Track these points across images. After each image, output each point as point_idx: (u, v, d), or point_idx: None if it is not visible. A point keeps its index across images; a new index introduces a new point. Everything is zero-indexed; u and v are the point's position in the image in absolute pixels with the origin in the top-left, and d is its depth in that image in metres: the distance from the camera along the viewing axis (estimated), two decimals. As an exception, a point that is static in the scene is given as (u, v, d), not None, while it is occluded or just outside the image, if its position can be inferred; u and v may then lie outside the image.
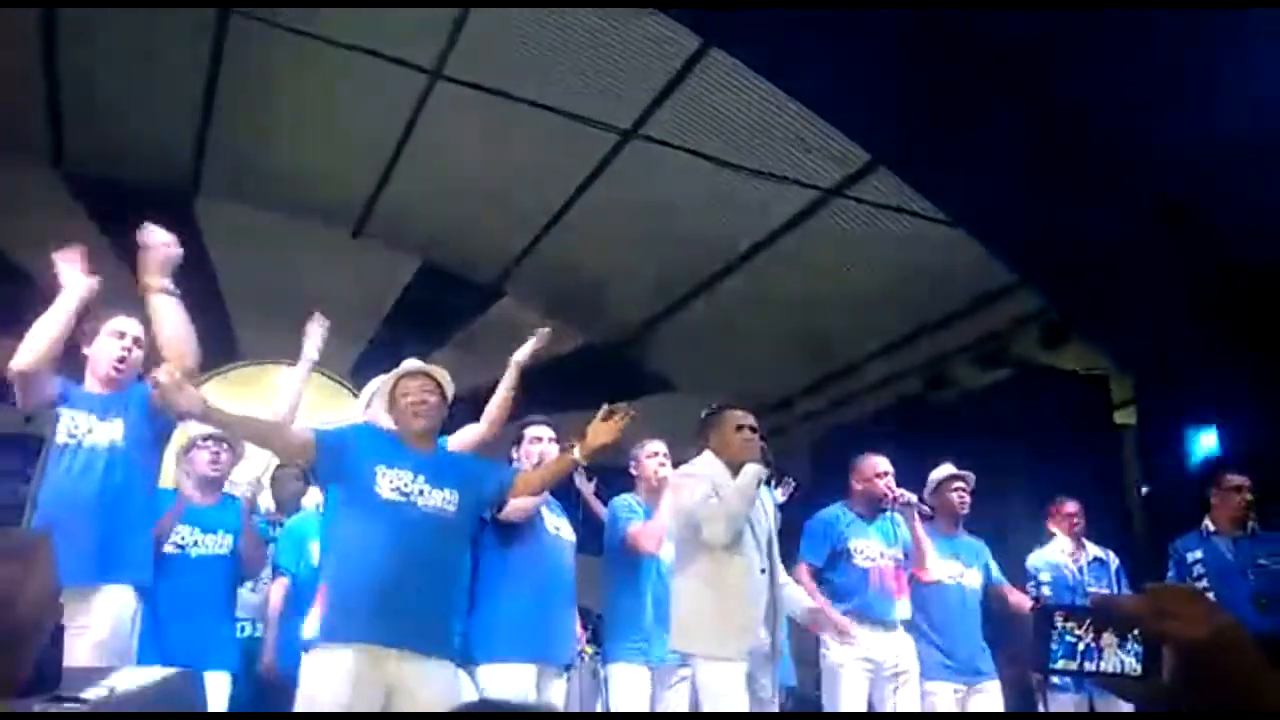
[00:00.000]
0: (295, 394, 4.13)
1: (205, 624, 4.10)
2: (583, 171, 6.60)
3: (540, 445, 4.31)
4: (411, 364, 3.63)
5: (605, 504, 4.79)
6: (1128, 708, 4.94)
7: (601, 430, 3.51)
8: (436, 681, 3.20)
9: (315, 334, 4.33)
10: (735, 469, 3.92)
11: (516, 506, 4.00)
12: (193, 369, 3.31)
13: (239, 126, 6.64)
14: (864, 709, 4.48)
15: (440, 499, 3.38)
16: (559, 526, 4.29)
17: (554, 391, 7.56)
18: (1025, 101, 5.37)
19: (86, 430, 3.29)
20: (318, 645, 3.19)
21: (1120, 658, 0.91)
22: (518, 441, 4.41)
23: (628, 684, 4.42)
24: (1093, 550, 5.29)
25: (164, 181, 7.20)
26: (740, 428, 4.02)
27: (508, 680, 3.89)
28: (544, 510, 4.25)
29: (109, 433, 3.35)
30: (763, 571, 3.86)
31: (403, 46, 5.57)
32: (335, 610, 3.20)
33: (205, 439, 4.25)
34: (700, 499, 3.88)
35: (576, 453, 3.58)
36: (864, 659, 4.49)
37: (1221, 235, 5.34)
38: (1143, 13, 4.53)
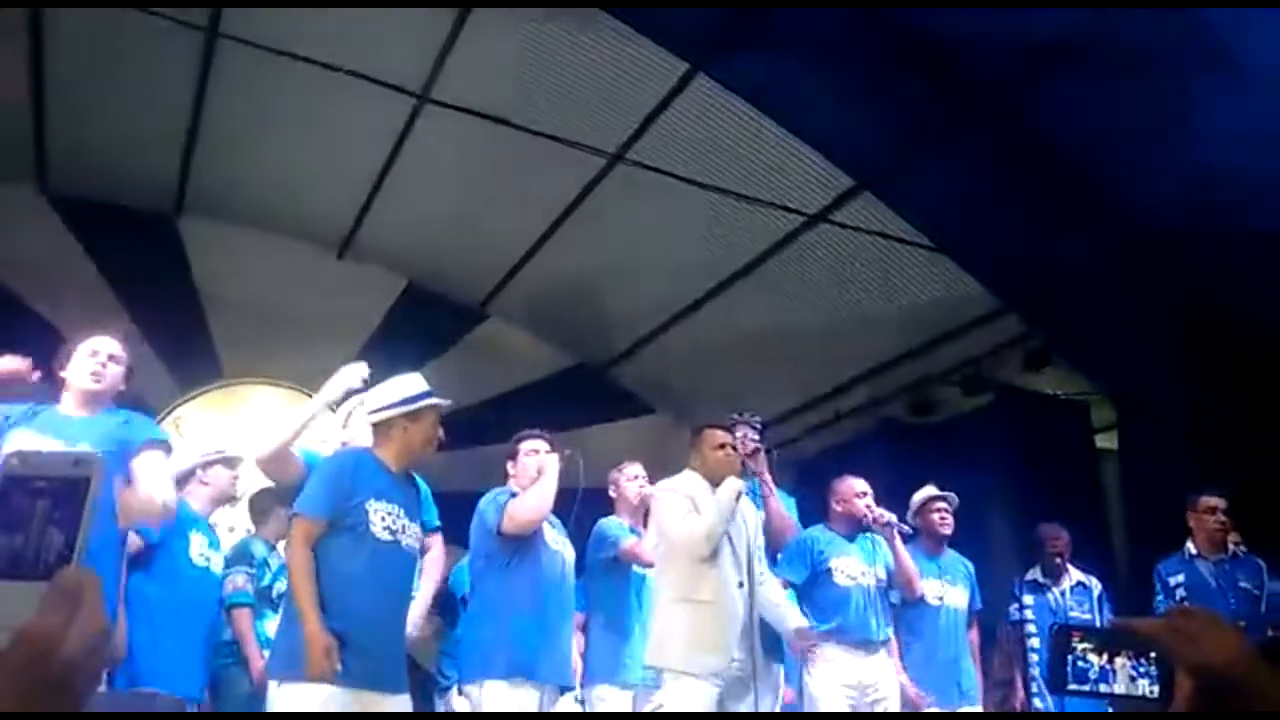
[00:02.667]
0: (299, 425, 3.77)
1: (201, 642, 4.15)
2: (569, 195, 6.63)
3: (537, 458, 4.20)
4: (421, 385, 3.56)
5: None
6: None
7: None
8: (391, 709, 3.24)
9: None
10: (714, 485, 3.94)
11: (517, 521, 3.99)
12: (169, 512, 3.37)
13: (224, 147, 6.65)
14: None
15: (414, 534, 3.42)
16: (560, 542, 4.23)
17: (538, 412, 7.57)
18: (1007, 128, 5.44)
19: None
20: (300, 680, 3.14)
21: (1134, 679, 0.92)
22: (513, 456, 4.32)
23: (610, 707, 4.41)
24: (1075, 575, 5.31)
25: (148, 201, 7.19)
26: (721, 446, 4.05)
27: (510, 701, 3.85)
28: (545, 525, 4.21)
29: None
30: (740, 586, 3.86)
31: (390, 69, 5.60)
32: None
33: (221, 460, 4.33)
34: (679, 514, 3.90)
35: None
36: (845, 685, 4.49)
37: (1200, 261, 5.40)
38: (1122, 41, 4.61)
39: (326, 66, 5.40)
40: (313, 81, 5.60)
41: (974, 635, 5.03)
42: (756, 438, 4.54)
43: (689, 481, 4.04)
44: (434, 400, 3.50)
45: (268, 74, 5.73)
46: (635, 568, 4.61)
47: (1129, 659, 0.92)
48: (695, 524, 3.85)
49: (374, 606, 3.23)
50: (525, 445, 4.31)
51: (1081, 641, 0.94)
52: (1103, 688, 0.93)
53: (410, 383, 3.55)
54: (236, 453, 4.49)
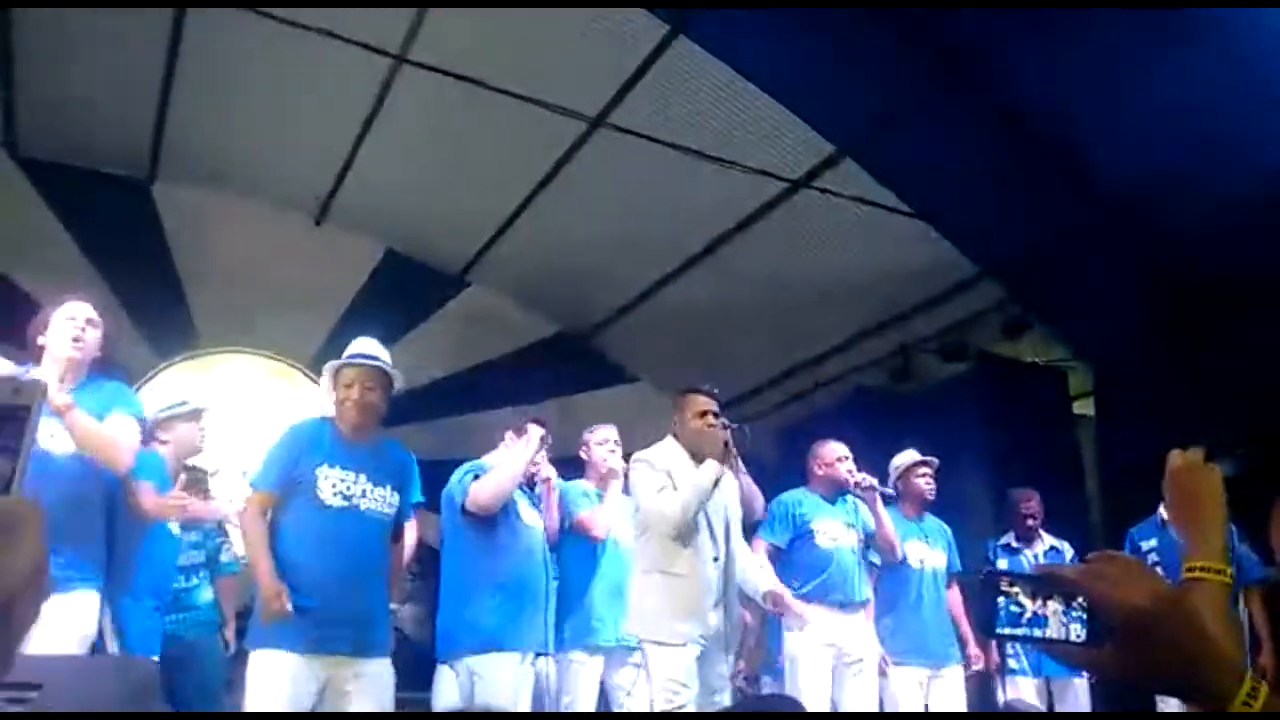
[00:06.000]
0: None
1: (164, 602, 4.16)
2: (549, 159, 6.57)
3: (544, 467, 4.34)
4: (359, 348, 3.58)
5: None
6: (1085, 696, 5.04)
7: None
8: (368, 680, 3.28)
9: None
10: (694, 454, 3.94)
11: (479, 502, 4.03)
12: (127, 463, 3.39)
13: (199, 110, 6.53)
14: (826, 694, 4.54)
15: (380, 498, 3.41)
16: (531, 517, 4.31)
17: (522, 379, 7.58)
18: (986, 93, 5.42)
19: (48, 435, 3.19)
20: (257, 648, 3.22)
21: (1065, 625, 0.93)
22: (517, 430, 4.34)
23: (580, 670, 4.46)
24: (1049, 540, 5.38)
25: (122, 166, 7.08)
26: (703, 414, 4.02)
27: (499, 669, 3.90)
28: (518, 498, 4.25)
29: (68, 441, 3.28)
30: (716, 560, 3.88)
31: (367, 30, 5.51)
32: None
33: (184, 413, 4.26)
34: (654, 488, 3.90)
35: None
36: (825, 644, 4.54)
37: (1175, 230, 5.43)
38: (1105, 9, 4.59)
39: (302, 27, 5.31)
40: (288, 42, 5.52)
41: (954, 595, 5.09)
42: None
43: (666, 452, 4.01)
44: (336, 363, 3.54)
45: (241, 35, 5.63)
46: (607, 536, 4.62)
47: (1060, 604, 0.93)
48: (668, 503, 3.84)
49: (329, 572, 3.25)
50: (534, 430, 4.29)
51: (1010, 586, 0.95)
52: (1036, 632, 0.94)
53: (350, 347, 3.60)
54: (199, 404, 4.42)
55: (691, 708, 3.71)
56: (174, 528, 4.15)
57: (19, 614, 0.69)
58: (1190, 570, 1.18)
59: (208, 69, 6.09)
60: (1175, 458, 1.27)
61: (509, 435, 4.40)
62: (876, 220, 6.32)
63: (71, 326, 3.41)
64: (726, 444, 3.91)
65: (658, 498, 3.88)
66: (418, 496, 3.78)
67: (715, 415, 4.03)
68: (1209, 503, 1.24)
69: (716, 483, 3.83)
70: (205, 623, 4.55)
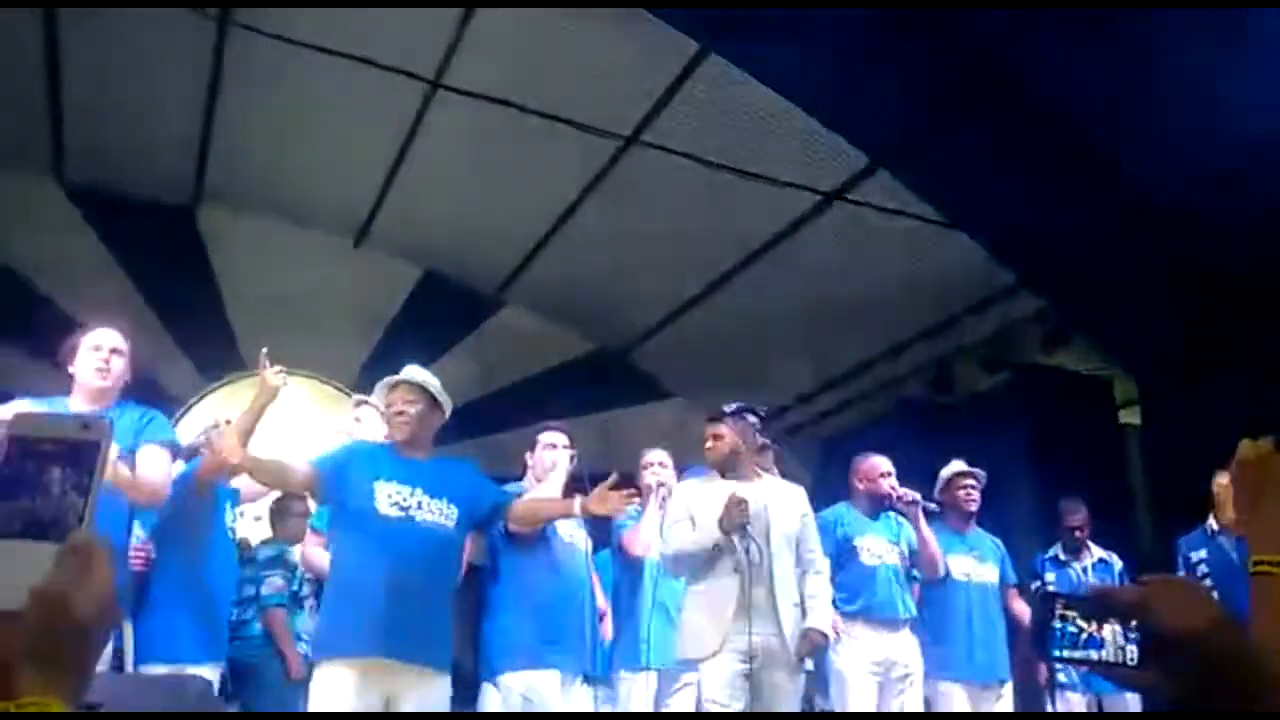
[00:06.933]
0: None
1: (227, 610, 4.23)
2: (584, 178, 6.62)
3: (554, 452, 4.30)
4: (405, 372, 3.69)
5: None
6: (1136, 708, 4.94)
7: (606, 501, 3.61)
8: (429, 692, 3.34)
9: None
10: (721, 471, 4.05)
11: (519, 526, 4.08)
12: (163, 498, 3.50)
13: (241, 136, 6.66)
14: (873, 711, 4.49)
15: (438, 511, 3.48)
16: (573, 535, 4.31)
17: (559, 397, 7.60)
18: (1024, 102, 5.38)
19: None
20: (320, 660, 3.29)
21: (1122, 647, 0.91)
22: (532, 447, 4.44)
23: (633, 690, 4.45)
24: (1097, 552, 5.29)
25: (166, 191, 7.23)
26: (714, 437, 4.15)
27: (531, 686, 3.93)
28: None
29: None
30: (736, 571, 3.89)
31: (403, 56, 5.59)
32: (334, 625, 3.31)
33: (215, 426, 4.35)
34: (672, 519, 4.07)
35: (576, 506, 3.73)
36: (871, 662, 4.49)
37: (1218, 234, 5.34)
38: (1138, 13, 4.54)
39: (338, 54, 5.40)
40: (325, 69, 5.61)
41: (1018, 606, 4.98)
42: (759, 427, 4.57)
43: (693, 484, 4.16)
44: (385, 382, 3.70)
45: (279, 62, 5.74)
46: (648, 555, 4.64)
47: (1117, 626, 0.92)
48: (676, 543, 4.01)
49: (387, 580, 3.32)
50: (544, 438, 4.39)
51: (1066, 608, 0.94)
52: (1092, 655, 0.93)
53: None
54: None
55: None
56: (230, 534, 4.20)
57: (95, 639, 0.75)
58: (1258, 564, 1.13)
59: (249, 97, 6.21)
60: (1245, 448, 1.22)
61: (527, 455, 4.45)
62: (914, 231, 6.28)
63: (96, 357, 3.46)
64: (737, 508, 3.88)
65: (672, 530, 4.05)
66: (500, 496, 3.79)
67: (717, 437, 4.11)
68: (1278, 494, 1.19)
69: (717, 545, 3.89)
70: (262, 648, 4.65)
